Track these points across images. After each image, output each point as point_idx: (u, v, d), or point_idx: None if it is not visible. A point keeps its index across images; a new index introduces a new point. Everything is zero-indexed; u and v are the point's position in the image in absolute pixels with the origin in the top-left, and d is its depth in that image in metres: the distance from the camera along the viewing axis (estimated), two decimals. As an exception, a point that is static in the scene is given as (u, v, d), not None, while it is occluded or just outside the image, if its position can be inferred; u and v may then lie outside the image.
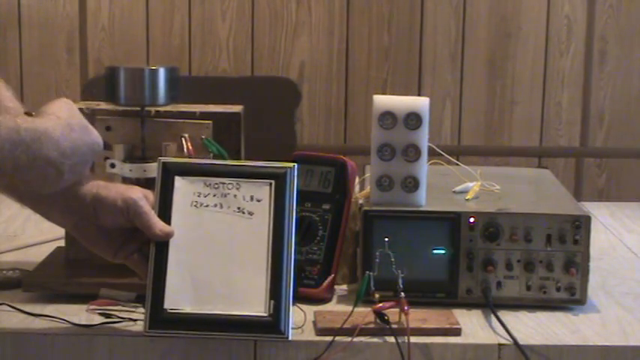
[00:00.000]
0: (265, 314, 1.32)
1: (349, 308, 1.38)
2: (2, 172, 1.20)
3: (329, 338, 1.34)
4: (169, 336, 1.33)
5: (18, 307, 1.44)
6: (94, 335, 1.37)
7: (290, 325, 1.32)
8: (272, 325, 1.32)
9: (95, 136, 1.29)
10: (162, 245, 1.35)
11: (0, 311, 1.43)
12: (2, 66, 3.12)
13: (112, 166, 1.52)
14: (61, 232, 1.58)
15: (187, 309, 1.32)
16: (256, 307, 1.32)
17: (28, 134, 1.20)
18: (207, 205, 1.37)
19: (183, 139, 1.52)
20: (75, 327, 1.38)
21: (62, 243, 1.60)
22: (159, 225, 1.35)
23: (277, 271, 1.34)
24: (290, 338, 1.32)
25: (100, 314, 1.41)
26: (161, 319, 1.32)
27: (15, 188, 1.37)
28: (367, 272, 1.40)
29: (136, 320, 1.39)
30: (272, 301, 1.32)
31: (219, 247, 1.36)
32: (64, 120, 1.26)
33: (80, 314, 1.42)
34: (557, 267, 1.48)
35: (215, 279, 1.34)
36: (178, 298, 1.33)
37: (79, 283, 1.49)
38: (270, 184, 1.38)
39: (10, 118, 1.21)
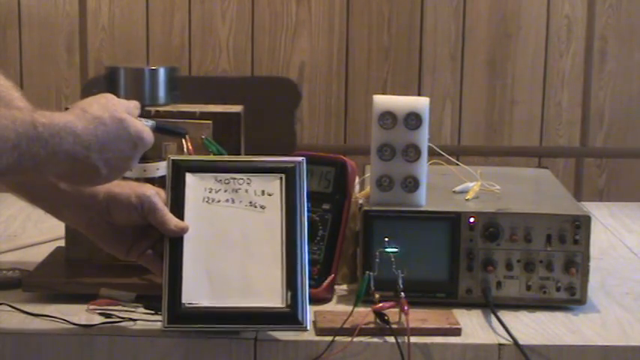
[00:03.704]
0: (283, 305, 1.33)
1: (349, 308, 1.38)
2: (22, 168, 1.20)
3: (329, 338, 1.34)
4: (189, 330, 1.34)
5: (18, 307, 1.44)
6: (94, 335, 1.37)
7: (308, 315, 1.33)
8: (290, 315, 1.32)
9: (134, 130, 1.28)
10: (176, 241, 1.36)
11: (0, 311, 1.43)
12: (2, 66, 3.12)
13: (112, 166, 1.52)
14: (61, 232, 1.58)
15: (205, 303, 1.33)
16: (273, 298, 1.33)
17: (46, 129, 1.20)
18: (219, 201, 1.39)
19: (183, 139, 1.52)
20: (75, 327, 1.38)
21: (62, 243, 1.60)
22: (173, 221, 1.36)
23: (292, 262, 1.35)
24: (308, 328, 1.33)
25: (100, 314, 1.41)
26: (179, 314, 1.32)
27: (30, 189, 1.38)
28: (367, 272, 1.40)
29: (136, 320, 1.39)
30: (289, 292, 1.33)
31: (233, 241, 1.37)
32: (91, 114, 1.25)
33: (80, 314, 1.42)
34: (557, 267, 1.48)
35: (231, 273, 1.35)
36: (195, 293, 1.33)
37: (79, 283, 1.49)
38: (281, 177, 1.40)
39: (27, 113, 1.21)
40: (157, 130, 1.36)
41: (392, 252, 1.42)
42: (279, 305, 1.33)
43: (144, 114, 1.52)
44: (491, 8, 3.15)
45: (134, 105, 1.33)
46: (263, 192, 1.40)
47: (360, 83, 3.19)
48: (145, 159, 1.52)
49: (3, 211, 2.04)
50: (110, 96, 1.32)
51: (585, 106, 3.20)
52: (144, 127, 1.30)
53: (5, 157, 1.18)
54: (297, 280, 1.34)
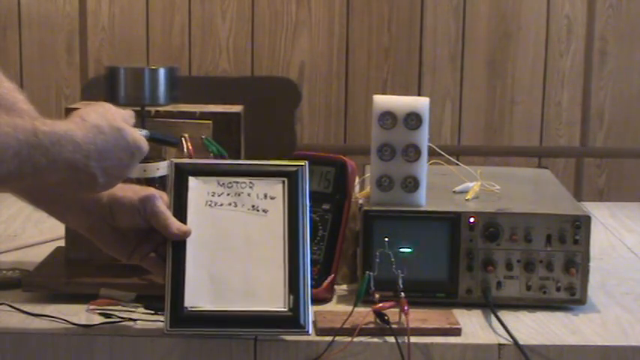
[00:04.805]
0: (285, 309, 1.33)
1: (349, 308, 1.38)
2: (22, 175, 1.20)
3: (329, 338, 1.34)
4: (191, 334, 1.34)
5: (18, 307, 1.44)
6: (94, 335, 1.37)
7: (310, 319, 1.33)
8: (293, 319, 1.32)
9: (132, 139, 1.29)
10: (179, 245, 1.36)
11: (0, 311, 1.43)
12: (2, 66, 3.13)
13: (112, 166, 1.52)
14: (61, 232, 1.58)
15: (207, 307, 1.33)
16: (276, 302, 1.33)
17: (47, 137, 1.21)
18: (221, 204, 1.39)
19: (183, 139, 1.53)
20: (75, 327, 1.38)
21: (62, 243, 1.60)
22: (176, 224, 1.36)
23: (295, 265, 1.35)
24: (310, 332, 1.33)
25: (100, 314, 1.41)
26: (182, 318, 1.32)
27: (32, 191, 1.38)
28: (367, 272, 1.40)
29: (136, 320, 1.40)
30: (291, 296, 1.33)
31: (236, 244, 1.37)
32: (90, 122, 1.26)
33: (80, 314, 1.42)
34: (557, 267, 1.48)
35: (233, 276, 1.35)
36: (198, 297, 1.33)
37: (79, 283, 1.49)
38: (284, 181, 1.40)
39: (28, 121, 1.21)
40: (150, 139, 1.37)
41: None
42: (282, 309, 1.33)
43: (142, 114, 1.52)
44: (491, 8, 3.15)
45: (129, 114, 1.34)
46: (265, 195, 1.39)
47: (360, 83, 3.19)
48: (145, 159, 1.52)
49: (3, 211, 2.04)
50: (108, 105, 1.32)
51: (585, 106, 3.20)
52: (141, 137, 1.31)
53: (6, 165, 1.18)
54: (299, 283, 1.34)
